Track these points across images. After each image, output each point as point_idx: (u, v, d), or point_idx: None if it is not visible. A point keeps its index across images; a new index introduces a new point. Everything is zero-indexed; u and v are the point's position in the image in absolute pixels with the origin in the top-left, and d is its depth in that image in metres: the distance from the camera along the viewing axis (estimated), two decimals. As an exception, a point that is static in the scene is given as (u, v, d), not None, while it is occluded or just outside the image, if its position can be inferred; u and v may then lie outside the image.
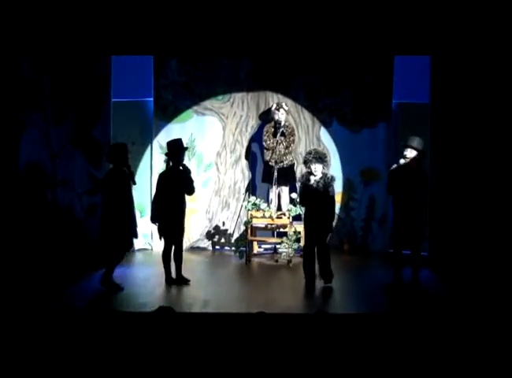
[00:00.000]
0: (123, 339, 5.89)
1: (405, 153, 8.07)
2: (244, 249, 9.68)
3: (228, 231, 10.57)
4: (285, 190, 10.16)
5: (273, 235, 10.25)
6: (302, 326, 5.86)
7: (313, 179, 8.09)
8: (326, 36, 8.55)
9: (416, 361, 5.73)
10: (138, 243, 10.26)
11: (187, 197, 8.44)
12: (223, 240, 10.58)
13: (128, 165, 8.05)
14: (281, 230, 9.79)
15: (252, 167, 10.64)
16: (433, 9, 8.21)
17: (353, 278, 8.82)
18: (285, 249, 9.51)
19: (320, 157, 8.09)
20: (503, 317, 6.59)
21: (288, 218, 9.61)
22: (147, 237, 10.35)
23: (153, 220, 8.40)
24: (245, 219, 10.04)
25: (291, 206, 9.68)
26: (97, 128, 9.23)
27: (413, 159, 8.05)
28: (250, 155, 10.63)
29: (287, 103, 10.33)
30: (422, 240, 8.20)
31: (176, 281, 8.29)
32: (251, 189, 10.58)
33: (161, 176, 8.39)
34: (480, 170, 8.31)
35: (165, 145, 8.86)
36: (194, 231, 10.52)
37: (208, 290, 8.07)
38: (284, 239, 9.57)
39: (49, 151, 8.72)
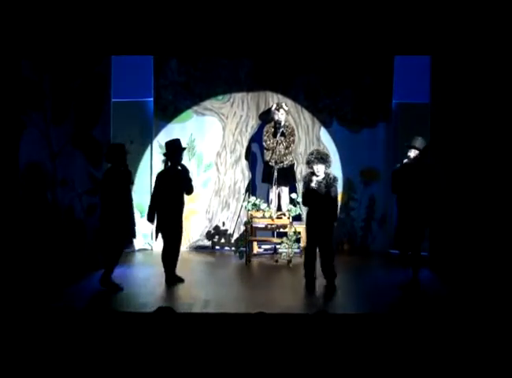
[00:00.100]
0: (123, 339, 5.89)
1: (409, 153, 8.17)
2: (244, 249, 9.67)
3: (228, 232, 10.56)
4: (285, 190, 10.16)
5: (273, 236, 10.25)
6: (301, 326, 5.86)
7: (315, 179, 8.09)
8: (326, 36, 8.55)
9: (416, 361, 5.73)
10: (138, 243, 10.28)
11: (186, 197, 8.47)
12: (223, 240, 10.58)
13: (126, 165, 8.07)
14: (281, 230, 9.78)
15: (252, 167, 10.63)
16: (433, 9, 8.21)
17: (353, 278, 8.82)
18: (285, 249, 9.51)
19: (323, 158, 8.10)
20: (503, 317, 6.59)
21: (288, 218, 9.61)
22: (147, 237, 10.34)
23: (150, 219, 8.40)
24: (245, 219, 10.04)
25: (291, 206, 9.68)
26: (97, 128, 9.23)
27: (415, 158, 8.13)
28: (250, 155, 10.63)
29: (287, 103, 10.32)
30: (422, 240, 8.21)
31: (170, 280, 8.29)
32: (251, 189, 10.58)
33: (160, 176, 8.40)
34: (480, 170, 8.32)
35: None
36: (194, 231, 10.51)
37: (208, 291, 8.07)
38: (284, 239, 9.56)
39: (49, 151, 8.72)
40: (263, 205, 9.71)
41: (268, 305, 7.09)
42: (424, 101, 9.81)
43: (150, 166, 10.43)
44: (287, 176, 10.13)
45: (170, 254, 8.34)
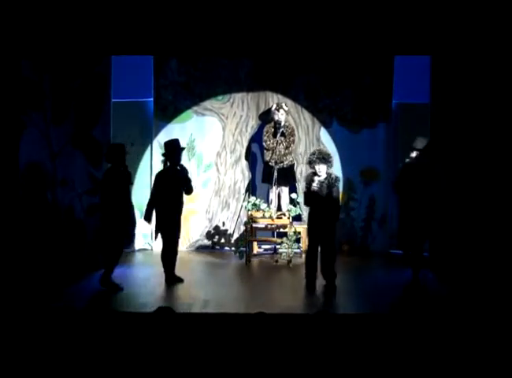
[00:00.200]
0: (123, 339, 5.89)
1: (411, 154, 8.24)
2: (244, 249, 9.68)
3: (228, 232, 10.56)
4: (285, 190, 10.16)
5: (273, 236, 10.25)
6: (301, 326, 5.86)
7: (317, 179, 8.08)
8: (326, 36, 8.55)
9: (416, 361, 5.73)
10: (138, 243, 10.28)
11: (186, 197, 8.47)
12: (223, 240, 10.57)
13: (125, 165, 8.07)
14: (281, 230, 9.79)
15: (252, 167, 10.64)
16: (433, 9, 8.21)
17: (353, 278, 8.81)
18: (285, 249, 9.51)
19: (325, 158, 8.09)
20: (503, 317, 6.59)
21: (288, 218, 9.61)
22: (147, 237, 10.34)
23: (147, 218, 8.40)
24: (245, 219, 10.04)
25: (291, 206, 9.69)
26: (97, 128, 9.23)
27: (416, 157, 8.19)
28: (250, 155, 10.63)
29: (287, 103, 10.32)
30: (425, 241, 8.23)
31: (169, 280, 8.29)
32: (251, 189, 10.58)
33: (159, 176, 8.41)
34: (480, 170, 8.31)
35: (164, 145, 8.89)
36: (194, 231, 10.51)
37: (208, 291, 8.07)
38: (284, 239, 9.57)
39: (49, 151, 8.72)
40: (263, 205, 9.72)
41: (268, 305, 7.09)
42: (424, 101, 9.82)
43: (150, 166, 10.42)
44: (287, 176, 10.14)
45: (169, 254, 8.35)
